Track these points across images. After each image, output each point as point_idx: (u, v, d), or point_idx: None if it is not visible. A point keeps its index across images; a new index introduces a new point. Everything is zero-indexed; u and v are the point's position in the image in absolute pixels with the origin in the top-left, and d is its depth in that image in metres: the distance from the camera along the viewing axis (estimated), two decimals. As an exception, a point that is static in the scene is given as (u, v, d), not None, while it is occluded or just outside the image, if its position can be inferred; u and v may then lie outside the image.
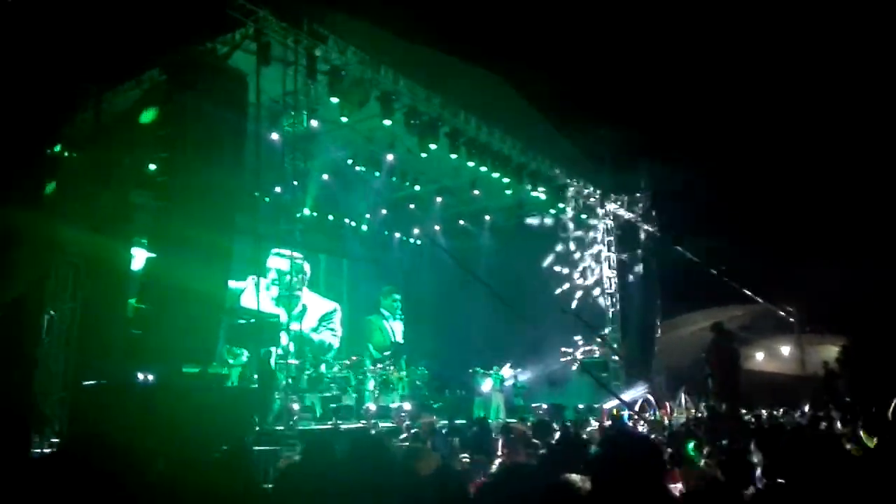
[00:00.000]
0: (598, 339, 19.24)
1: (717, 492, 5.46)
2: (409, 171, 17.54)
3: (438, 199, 19.59)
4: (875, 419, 8.99)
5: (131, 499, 3.01)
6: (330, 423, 13.13)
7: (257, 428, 10.06)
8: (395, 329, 22.43)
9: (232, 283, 13.10)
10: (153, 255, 10.09)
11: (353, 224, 20.50)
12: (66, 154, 11.57)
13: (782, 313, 22.96)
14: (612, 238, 20.57)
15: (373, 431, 11.26)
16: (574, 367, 18.97)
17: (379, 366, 17.40)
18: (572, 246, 20.57)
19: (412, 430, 10.30)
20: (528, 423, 10.83)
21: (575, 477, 2.82)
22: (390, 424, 12.93)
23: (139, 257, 11.43)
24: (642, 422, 14.15)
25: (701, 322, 20.35)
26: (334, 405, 14.69)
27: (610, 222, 20.62)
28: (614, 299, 20.17)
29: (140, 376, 9.33)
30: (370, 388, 16.25)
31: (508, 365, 18.08)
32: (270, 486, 5.02)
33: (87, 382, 10.03)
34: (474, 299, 18.51)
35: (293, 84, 12.00)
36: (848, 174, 20.28)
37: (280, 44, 11.72)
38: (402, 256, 22.57)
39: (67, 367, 11.31)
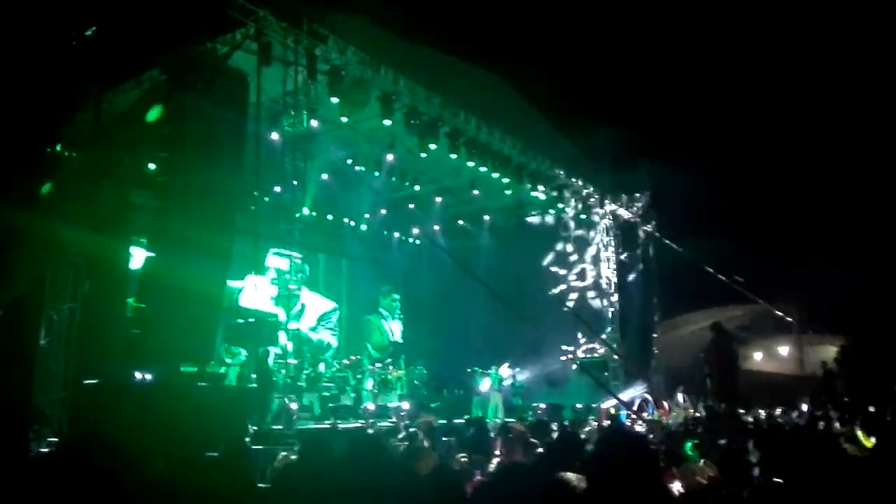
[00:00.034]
0: (598, 339, 19.26)
1: (715, 491, 5.48)
2: (408, 171, 17.53)
3: (438, 199, 19.59)
4: (873, 419, 9.01)
5: (130, 498, 3.02)
6: (328, 422, 13.14)
7: (255, 427, 10.06)
8: (394, 329, 22.45)
9: (231, 283, 13.11)
10: (152, 254, 10.10)
11: (353, 224, 20.50)
12: (66, 154, 11.57)
13: (780, 313, 22.95)
14: (611, 238, 20.57)
15: (371, 431, 11.27)
16: (574, 367, 18.99)
17: (378, 365, 17.42)
18: (569, 248, 20.58)
19: (410, 430, 10.31)
20: (527, 423, 10.84)
21: (571, 476, 2.83)
22: (388, 424, 12.94)
23: (138, 257, 11.44)
24: (640, 421, 14.16)
25: (700, 322, 20.38)
26: (333, 405, 14.70)
27: (609, 222, 20.62)
28: (613, 299, 20.18)
29: (138, 376, 9.35)
30: (369, 387, 16.27)
31: (507, 364, 18.09)
32: (268, 485, 5.03)
33: (86, 382, 10.05)
34: (473, 299, 18.51)
35: (293, 84, 12.00)
36: (847, 174, 20.30)
37: (280, 44, 11.72)
38: (402, 256, 22.58)
39: (67, 366, 11.31)
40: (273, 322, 12.43)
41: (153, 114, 10.73)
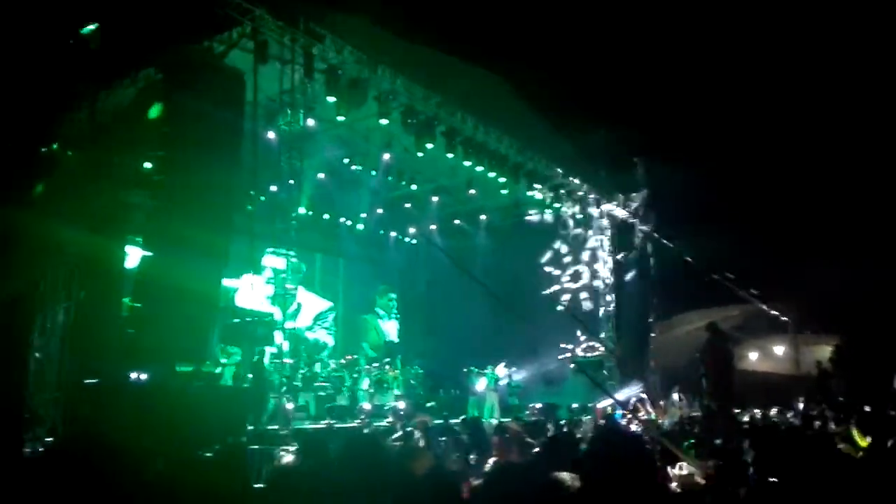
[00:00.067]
0: (594, 339, 19.29)
1: (711, 490, 5.49)
2: (405, 171, 17.53)
3: (435, 199, 19.58)
4: (869, 419, 9.02)
5: (128, 498, 3.01)
6: (324, 422, 13.13)
7: (251, 427, 10.06)
8: (391, 328, 22.44)
9: (227, 282, 13.08)
10: (148, 253, 10.07)
11: (349, 223, 20.49)
12: (63, 153, 11.53)
13: (776, 313, 23.01)
14: (608, 237, 20.60)
15: (367, 431, 11.27)
16: (570, 367, 19.01)
17: (374, 365, 17.42)
18: (564, 249, 20.60)
19: (406, 430, 10.31)
20: (523, 423, 10.85)
21: (564, 475, 2.84)
22: (384, 424, 12.94)
23: (133, 256, 11.41)
24: (636, 421, 14.17)
25: (696, 322, 20.39)
26: (329, 404, 14.69)
27: (606, 222, 20.64)
28: (609, 299, 20.20)
29: (133, 375, 9.33)
30: (365, 387, 16.27)
31: (503, 364, 18.10)
32: (264, 485, 5.02)
33: (81, 382, 10.02)
34: (470, 299, 18.50)
35: (290, 83, 12.00)
36: (845, 174, 20.34)
37: (277, 42, 11.71)
38: (398, 256, 22.57)
39: (62, 366, 11.28)
40: (269, 321, 12.42)
41: (154, 111, 10.69)
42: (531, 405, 17.35)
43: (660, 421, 14.77)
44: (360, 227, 20.76)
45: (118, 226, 11.54)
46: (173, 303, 9.49)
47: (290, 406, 11.41)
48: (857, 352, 18.72)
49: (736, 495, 5.31)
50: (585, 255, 20.42)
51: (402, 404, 15.63)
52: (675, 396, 18.00)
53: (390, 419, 13.79)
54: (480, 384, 17.42)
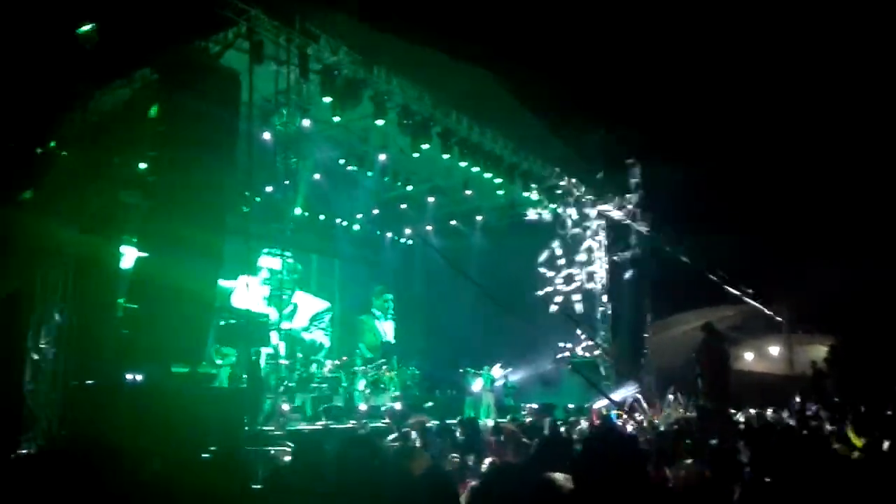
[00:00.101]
0: (590, 339, 19.31)
1: (706, 490, 5.50)
2: (401, 171, 17.52)
3: (430, 199, 19.58)
4: (864, 419, 9.06)
5: (123, 498, 3.01)
6: (320, 423, 13.12)
7: (247, 428, 10.04)
8: (387, 329, 22.44)
9: (222, 283, 13.07)
10: (143, 254, 10.05)
11: (345, 224, 20.47)
12: (59, 153, 11.51)
13: (770, 312, 23.08)
14: (603, 238, 20.62)
15: (363, 431, 11.27)
16: (567, 366, 19.03)
17: (370, 366, 17.42)
18: (558, 251, 20.64)
19: (402, 430, 10.30)
20: (518, 423, 10.86)
21: (557, 476, 2.84)
22: (381, 424, 12.94)
23: (128, 256, 11.39)
24: (632, 421, 14.19)
25: (692, 322, 20.47)
26: (325, 405, 14.68)
27: (601, 222, 20.66)
28: (605, 299, 20.22)
29: (129, 376, 9.31)
30: (361, 388, 16.26)
31: (499, 365, 18.11)
32: (260, 486, 5.02)
33: (77, 382, 10.00)
34: (466, 299, 18.53)
35: (286, 83, 11.98)
36: (843, 174, 20.39)
37: (272, 42, 11.69)
38: (394, 256, 22.56)
39: (57, 366, 11.25)
40: (265, 322, 12.40)
41: (154, 111, 10.67)
42: (527, 405, 17.35)
43: (655, 421, 14.78)
44: (356, 227, 20.75)
45: (115, 226, 11.52)
46: (169, 303, 9.48)
47: (286, 407, 11.40)
48: (852, 352, 18.78)
49: (731, 495, 5.32)
50: (582, 256, 20.43)
51: (398, 405, 15.63)
52: (671, 397, 18.03)
53: (387, 420, 13.78)
54: (477, 385, 17.43)
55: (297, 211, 15.11)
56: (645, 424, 13.66)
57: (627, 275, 20.62)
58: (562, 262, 20.51)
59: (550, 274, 20.56)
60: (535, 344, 19.06)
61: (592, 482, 2.77)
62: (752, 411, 14.56)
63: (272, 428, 10.71)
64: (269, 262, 16.43)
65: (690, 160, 19.88)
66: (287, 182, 12.40)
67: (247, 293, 15.11)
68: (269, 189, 13.26)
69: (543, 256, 20.55)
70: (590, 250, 20.41)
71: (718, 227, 20.04)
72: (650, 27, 20.62)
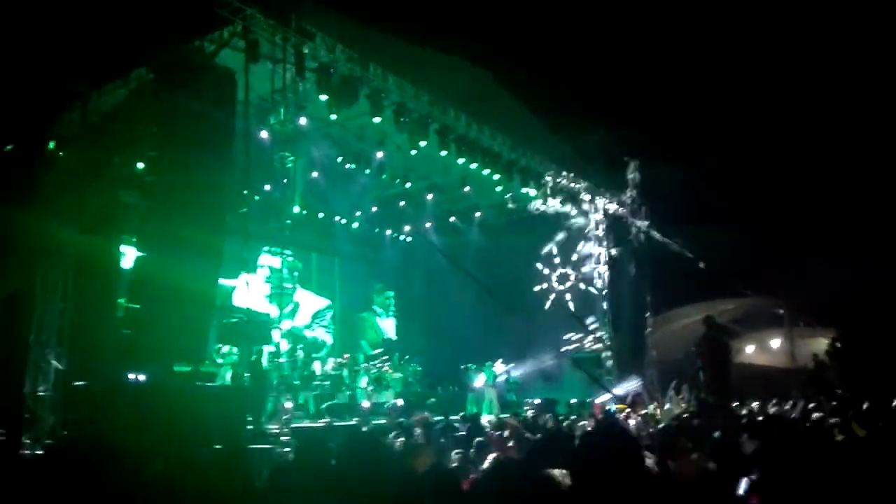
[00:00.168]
0: (591, 334, 19.35)
1: (709, 483, 5.50)
2: (399, 169, 17.50)
3: (429, 197, 19.57)
4: (866, 410, 9.06)
5: (127, 498, 3.01)
6: (323, 420, 13.12)
7: (250, 427, 10.04)
8: (388, 326, 22.46)
9: (223, 281, 13.06)
10: (143, 254, 10.05)
11: (344, 222, 20.46)
12: (59, 153, 11.51)
13: (770, 306, 23.07)
14: (603, 233, 20.63)
15: (365, 429, 11.27)
16: (569, 361, 19.05)
17: (372, 363, 17.43)
18: (554, 250, 20.68)
19: (405, 427, 10.32)
20: (521, 419, 10.87)
21: (555, 472, 2.84)
22: (383, 421, 12.94)
23: (129, 256, 11.38)
24: (635, 416, 14.19)
25: (693, 316, 20.42)
26: (328, 403, 14.69)
27: (601, 217, 20.66)
28: (605, 293, 20.23)
29: (131, 376, 9.30)
30: (363, 385, 16.27)
31: (500, 361, 18.12)
32: (265, 484, 5.02)
33: (78, 383, 10.00)
34: (466, 296, 18.53)
35: (282, 82, 11.95)
36: (845, 170, 20.37)
37: (268, 41, 11.66)
38: (394, 254, 22.56)
39: (58, 367, 11.25)
40: (266, 320, 12.40)
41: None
42: (530, 401, 17.37)
43: (658, 415, 14.79)
44: (355, 225, 20.73)
45: (114, 226, 11.52)
46: (169, 303, 9.48)
47: (289, 405, 11.39)
48: (853, 345, 18.79)
49: (734, 488, 5.32)
50: (581, 251, 20.44)
51: (400, 402, 15.64)
52: (673, 391, 18.04)
53: (389, 417, 13.79)
54: (479, 381, 17.45)
55: (296, 209, 15.06)
56: (647, 418, 13.67)
57: (627, 269, 20.62)
58: (557, 260, 20.55)
59: (546, 272, 20.62)
60: (535, 339, 19.07)
61: (590, 477, 2.77)
62: (755, 404, 14.56)
63: (275, 426, 10.71)
64: (269, 260, 16.41)
65: (691, 155, 19.85)
66: (285, 181, 12.38)
67: (247, 291, 15.11)
68: (267, 188, 13.23)
69: (547, 249, 20.59)
70: (590, 244, 20.42)
71: (719, 223, 20.01)
72: (653, 26, 20.58)
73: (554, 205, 19.28)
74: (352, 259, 21.71)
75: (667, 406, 16.07)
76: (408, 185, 18.36)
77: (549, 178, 18.42)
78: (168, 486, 3.67)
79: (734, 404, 13.97)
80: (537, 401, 17.12)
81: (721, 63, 20.82)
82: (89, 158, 11.48)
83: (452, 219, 21.15)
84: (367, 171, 16.93)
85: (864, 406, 10.31)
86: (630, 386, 17.82)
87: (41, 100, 10.22)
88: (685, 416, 12.89)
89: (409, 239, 22.67)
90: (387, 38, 13.13)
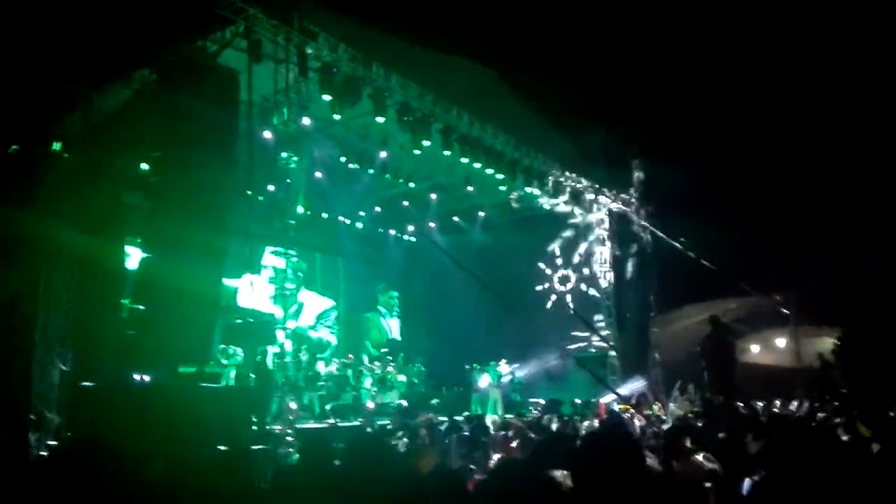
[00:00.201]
0: (596, 334, 19.33)
1: (715, 483, 5.48)
2: (402, 168, 17.49)
3: (433, 196, 19.55)
4: (871, 410, 9.02)
5: (129, 499, 3.00)
6: (328, 421, 13.12)
7: (255, 427, 10.04)
8: (392, 326, 22.46)
9: (227, 282, 13.07)
10: (147, 255, 10.06)
11: (348, 222, 20.46)
12: (63, 155, 11.52)
13: (775, 305, 22.99)
14: (607, 232, 20.61)
15: (370, 429, 11.27)
16: (573, 361, 19.04)
17: (376, 363, 17.42)
18: (557, 250, 20.66)
19: (410, 428, 10.31)
20: (525, 419, 10.85)
21: (557, 473, 2.83)
22: (388, 422, 12.93)
23: (133, 257, 11.40)
24: (639, 415, 14.17)
25: (695, 316, 20.39)
26: (332, 403, 14.68)
27: (605, 216, 20.64)
28: (609, 293, 20.21)
29: (136, 377, 9.31)
30: (367, 385, 16.26)
31: (505, 361, 18.10)
32: (269, 485, 5.02)
33: (83, 384, 10.01)
34: (470, 296, 18.53)
35: (284, 82, 11.95)
36: (848, 168, 20.30)
37: (271, 41, 11.66)
38: (398, 254, 22.57)
39: (63, 368, 11.27)
40: (270, 321, 12.41)
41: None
42: (534, 401, 17.35)
43: (663, 416, 14.77)
44: (359, 225, 20.73)
45: (116, 227, 11.53)
46: (173, 304, 9.48)
47: (293, 405, 11.40)
48: (858, 344, 18.72)
49: (739, 488, 5.30)
50: (585, 251, 20.43)
51: (405, 402, 15.63)
52: (678, 391, 18.02)
53: (394, 417, 13.78)
54: (483, 381, 17.42)
55: (300, 210, 15.10)
56: (652, 418, 13.64)
57: (631, 269, 20.61)
58: (568, 254, 20.53)
59: (549, 272, 20.61)
60: (540, 339, 19.05)
61: (591, 478, 2.76)
62: (760, 404, 14.53)
63: (279, 427, 10.71)
64: (273, 260, 16.42)
65: (694, 154, 19.80)
66: (288, 181, 12.38)
67: (253, 292, 15.13)
68: (270, 188, 13.24)
69: (551, 248, 20.59)
70: (594, 244, 20.41)
71: (723, 219, 19.96)
72: (653, 26, 20.53)
73: (558, 203, 19.27)
74: (356, 259, 21.70)
75: (672, 406, 16.05)
76: (411, 184, 18.36)
77: (553, 177, 18.41)
78: (172, 487, 3.67)
79: (739, 404, 13.93)
80: (542, 401, 17.09)
81: (722, 63, 20.76)
82: (92, 159, 11.49)
83: (456, 218, 21.14)
84: (371, 171, 16.93)
85: (870, 406, 10.27)
86: (634, 386, 17.79)
87: (43, 101, 10.22)
88: (690, 415, 12.86)
89: (412, 239, 22.67)
90: (389, 37, 13.12)
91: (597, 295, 20.34)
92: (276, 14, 11.56)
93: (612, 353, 19.57)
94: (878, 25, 18.78)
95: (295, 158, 12.47)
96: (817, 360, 18.47)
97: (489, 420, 13.04)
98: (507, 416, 14.38)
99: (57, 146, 11.31)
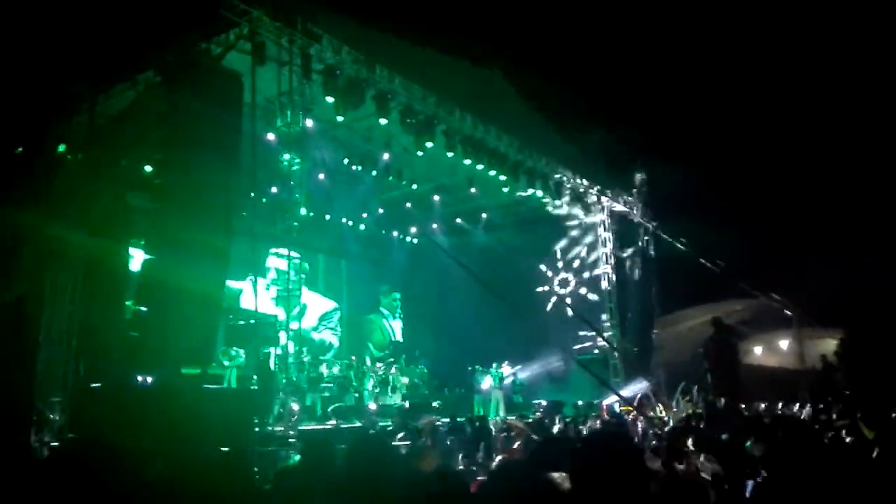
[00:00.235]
0: (599, 336, 19.30)
1: (718, 485, 5.47)
2: (405, 170, 17.51)
3: (436, 198, 19.56)
4: (874, 412, 8.99)
5: (131, 499, 3.01)
6: (330, 422, 13.13)
7: (257, 429, 10.05)
8: (395, 328, 22.46)
9: (230, 284, 13.09)
10: (150, 256, 10.08)
11: (351, 224, 20.48)
12: (68, 156, 11.56)
13: (778, 306, 22.95)
14: (609, 234, 20.59)
15: (372, 431, 11.26)
16: (575, 362, 19.02)
17: (379, 365, 17.43)
18: (559, 253, 20.66)
19: (412, 429, 10.31)
20: (527, 421, 10.85)
21: (555, 475, 2.83)
22: (390, 423, 12.94)
23: (137, 259, 11.42)
24: (642, 417, 14.15)
25: (698, 317, 20.36)
26: (334, 405, 14.69)
27: (607, 218, 20.63)
28: (612, 295, 20.19)
29: (139, 378, 9.33)
30: (370, 387, 16.27)
31: (507, 362, 18.09)
32: (270, 486, 5.02)
33: (87, 384, 10.03)
34: (473, 298, 18.52)
35: (288, 84, 11.97)
36: (848, 169, 20.27)
37: (274, 43, 11.69)
38: (401, 255, 22.58)
39: (67, 369, 11.30)
40: (273, 322, 12.41)
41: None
42: (537, 402, 17.33)
43: (666, 417, 14.75)
44: (362, 227, 20.75)
45: (120, 229, 11.56)
46: (177, 305, 9.49)
47: (295, 407, 11.40)
48: (861, 346, 18.67)
49: (742, 490, 5.30)
50: (587, 252, 20.42)
51: (407, 404, 15.63)
52: (681, 393, 17.98)
53: (396, 419, 13.78)
54: (486, 383, 17.41)
55: (303, 211, 15.08)
56: (655, 420, 13.62)
57: (633, 270, 20.59)
58: (570, 256, 20.53)
59: (550, 274, 20.63)
60: (542, 341, 19.03)
61: (589, 480, 2.76)
62: (763, 405, 14.50)
63: (282, 428, 10.72)
64: (276, 262, 16.44)
65: (697, 156, 19.79)
66: (292, 182, 12.40)
67: (255, 294, 15.13)
68: (274, 190, 13.26)
69: (554, 250, 20.59)
70: (596, 246, 20.40)
71: (726, 221, 19.94)
72: (654, 25, 20.54)
73: (561, 205, 19.27)
74: (359, 261, 21.73)
75: (675, 408, 16.02)
76: (414, 186, 18.38)
77: (556, 179, 18.40)
78: (174, 489, 3.67)
79: (742, 406, 13.90)
80: (544, 402, 17.08)
81: (722, 64, 20.75)
82: (96, 161, 11.53)
83: (459, 220, 21.15)
84: (374, 173, 16.95)
85: (873, 407, 10.24)
86: (637, 388, 17.76)
87: (48, 103, 10.25)
88: (693, 417, 12.84)
89: (415, 240, 22.68)
90: (393, 39, 13.13)
91: (599, 293, 20.32)
92: (280, 16, 11.58)
93: (615, 354, 19.53)
94: (878, 25, 18.75)
95: (298, 160, 12.47)
96: (820, 361, 18.43)
97: (491, 422, 13.04)
98: (510, 417, 14.37)
99: (61, 148, 11.35)
